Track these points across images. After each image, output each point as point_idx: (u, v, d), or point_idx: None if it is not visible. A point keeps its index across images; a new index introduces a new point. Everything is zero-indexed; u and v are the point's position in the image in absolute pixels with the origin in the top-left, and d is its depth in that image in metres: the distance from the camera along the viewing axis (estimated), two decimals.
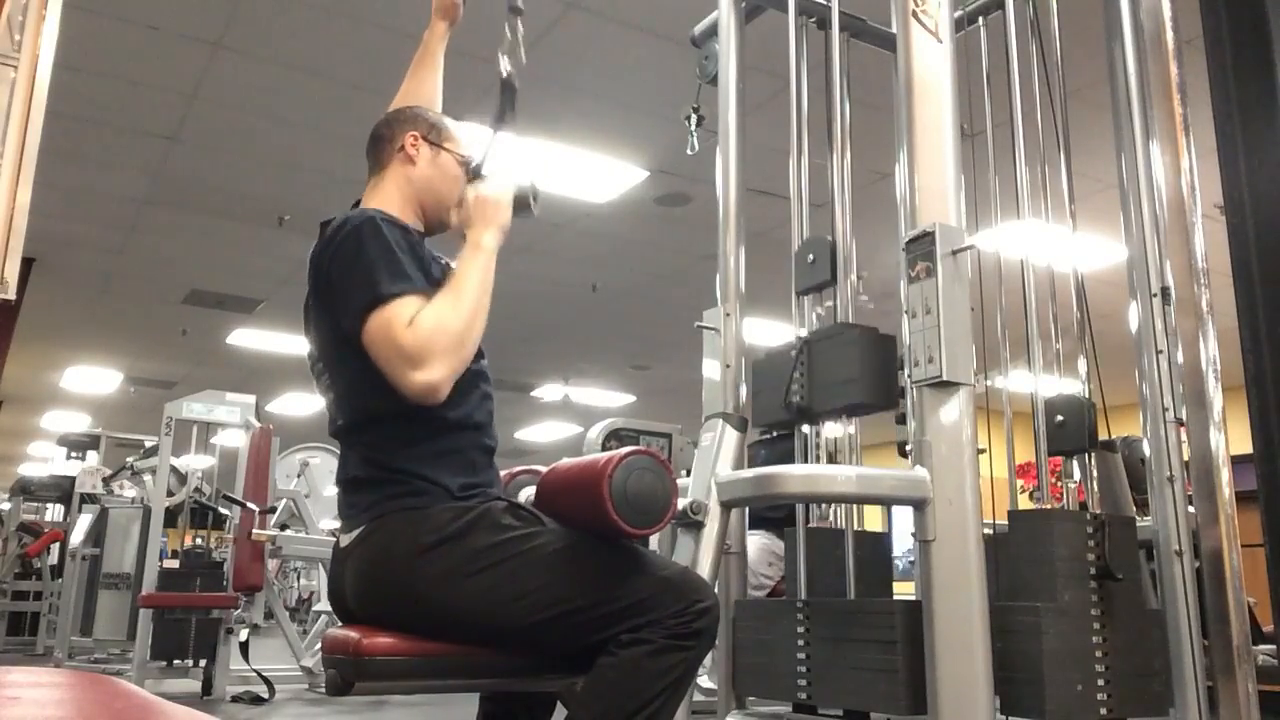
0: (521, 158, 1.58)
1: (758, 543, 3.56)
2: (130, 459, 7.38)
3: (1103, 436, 2.18)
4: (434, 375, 1.47)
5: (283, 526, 6.16)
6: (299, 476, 6.82)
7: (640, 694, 1.43)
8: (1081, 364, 2.22)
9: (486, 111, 1.77)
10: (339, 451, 1.67)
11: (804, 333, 2.17)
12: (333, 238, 1.58)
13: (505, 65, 1.78)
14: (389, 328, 1.47)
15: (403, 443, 1.54)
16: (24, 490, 8.89)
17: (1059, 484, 2.20)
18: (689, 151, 2.64)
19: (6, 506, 9.20)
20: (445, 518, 1.48)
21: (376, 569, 1.50)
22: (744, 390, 2.25)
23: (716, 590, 1.91)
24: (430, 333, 1.47)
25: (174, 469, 6.13)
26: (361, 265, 1.52)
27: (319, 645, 4.33)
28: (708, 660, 3.27)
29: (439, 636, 1.47)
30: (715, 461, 1.98)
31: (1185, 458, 2.02)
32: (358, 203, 1.74)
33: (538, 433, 12.57)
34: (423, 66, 1.99)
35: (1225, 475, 2.01)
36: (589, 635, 1.48)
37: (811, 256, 2.18)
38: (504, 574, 1.46)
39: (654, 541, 3.41)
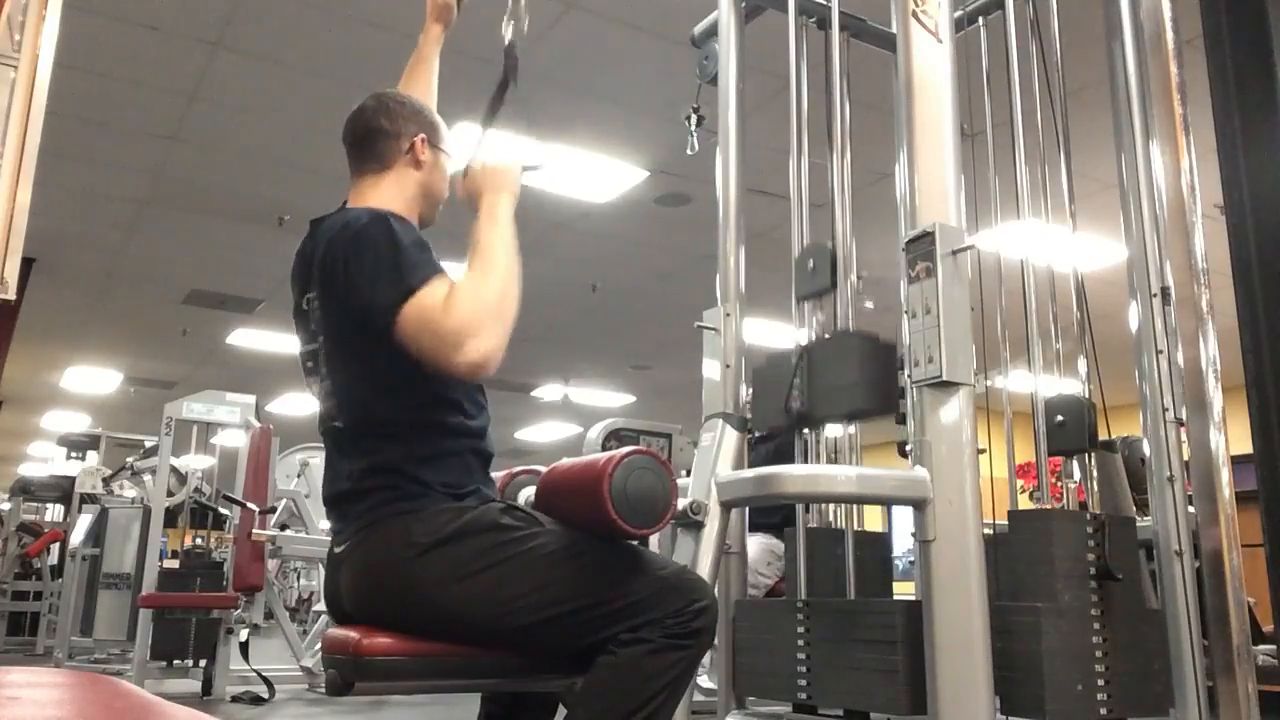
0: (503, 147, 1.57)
1: (758, 542, 3.56)
2: (130, 459, 7.37)
3: (1103, 436, 2.18)
4: (483, 347, 1.43)
5: (283, 526, 6.16)
6: (299, 476, 6.82)
7: (639, 693, 1.43)
8: (1081, 364, 2.21)
9: (480, 110, 1.76)
10: (327, 456, 1.64)
11: (805, 336, 2.17)
12: (342, 234, 1.55)
13: (509, 32, 1.75)
14: (426, 313, 1.44)
15: (401, 446, 1.53)
16: (24, 490, 8.89)
17: (1059, 484, 2.20)
18: (689, 151, 2.63)
19: (6, 506, 9.19)
20: (441, 520, 1.48)
21: (374, 573, 1.50)
22: (744, 390, 2.25)
23: (716, 590, 1.91)
24: (470, 309, 1.44)
25: (174, 469, 6.12)
26: (385, 259, 1.49)
27: (319, 645, 4.33)
28: (707, 660, 3.28)
29: (438, 639, 1.47)
30: (715, 461, 1.98)
31: (1185, 458, 2.02)
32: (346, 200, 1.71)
33: (538, 433, 12.57)
34: (418, 70, 1.99)
35: (1225, 475, 2.01)
36: (588, 635, 1.47)
37: (812, 263, 2.17)
38: (501, 575, 1.46)
39: (654, 541, 3.41)
